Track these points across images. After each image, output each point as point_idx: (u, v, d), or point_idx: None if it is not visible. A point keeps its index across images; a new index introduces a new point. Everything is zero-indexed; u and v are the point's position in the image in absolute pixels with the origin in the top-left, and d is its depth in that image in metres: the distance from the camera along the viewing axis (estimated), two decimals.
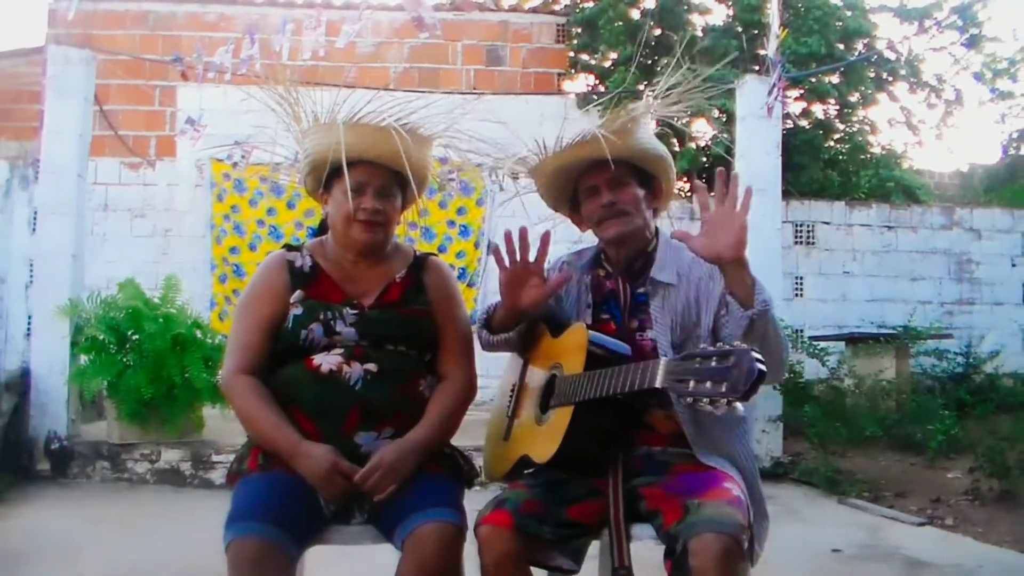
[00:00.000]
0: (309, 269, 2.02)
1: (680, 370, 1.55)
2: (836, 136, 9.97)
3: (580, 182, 2.06)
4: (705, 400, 1.48)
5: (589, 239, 2.12)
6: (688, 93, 2.00)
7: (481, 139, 2.10)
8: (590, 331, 1.90)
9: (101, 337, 5.01)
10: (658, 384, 1.61)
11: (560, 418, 1.85)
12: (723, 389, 1.45)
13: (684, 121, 8.43)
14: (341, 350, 1.91)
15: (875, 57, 9.33)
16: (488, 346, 2.13)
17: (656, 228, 2.09)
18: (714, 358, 1.49)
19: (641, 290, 2.01)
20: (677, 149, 8.40)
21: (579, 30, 8.97)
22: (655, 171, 2.05)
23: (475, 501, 1.90)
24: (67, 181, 5.37)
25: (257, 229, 7.39)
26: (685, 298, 1.96)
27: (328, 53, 5.20)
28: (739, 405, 1.45)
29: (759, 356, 1.45)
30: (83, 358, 5.14)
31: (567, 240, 2.28)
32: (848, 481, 4.99)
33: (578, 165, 2.04)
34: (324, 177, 2.01)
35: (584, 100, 7.90)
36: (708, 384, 1.48)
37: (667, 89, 2.00)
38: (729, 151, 5.77)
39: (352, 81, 7.07)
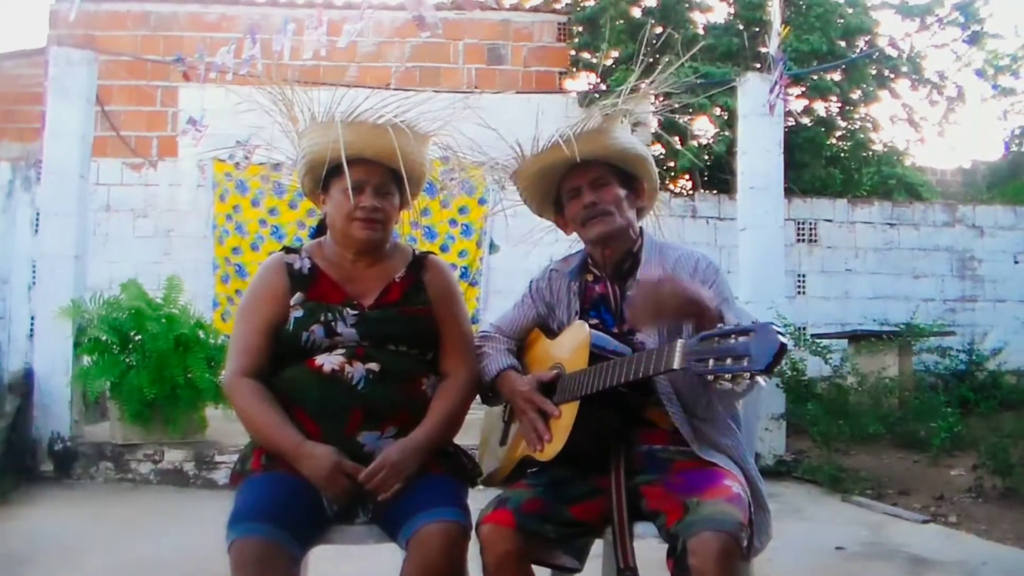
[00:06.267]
0: (308, 271, 2.02)
1: (698, 350, 1.54)
2: (838, 133, 9.96)
3: (562, 184, 2.07)
4: (727, 377, 1.47)
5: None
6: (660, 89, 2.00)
7: (477, 139, 2.10)
8: (592, 330, 1.90)
9: (104, 338, 5.01)
10: (675, 365, 1.60)
11: (565, 414, 1.85)
12: (745, 364, 1.44)
13: (686, 119, 8.49)
14: (343, 350, 1.91)
15: (877, 54, 9.32)
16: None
17: (641, 228, 2.10)
18: (733, 336, 1.49)
19: (630, 292, 2.00)
20: (679, 147, 8.40)
21: (580, 28, 8.97)
22: (635, 171, 2.06)
23: (479, 500, 1.90)
24: (69, 182, 5.37)
25: (259, 229, 7.42)
26: None
27: (329, 53, 5.19)
28: (761, 380, 1.45)
29: (780, 329, 1.45)
30: (86, 359, 5.14)
31: (566, 240, 2.27)
32: (851, 479, 4.98)
33: (558, 168, 2.04)
34: (322, 177, 2.01)
35: (586, 99, 7.90)
36: (728, 360, 1.47)
37: (658, 88, 2.01)
38: (730, 149, 5.76)
39: (353, 80, 7.08)
